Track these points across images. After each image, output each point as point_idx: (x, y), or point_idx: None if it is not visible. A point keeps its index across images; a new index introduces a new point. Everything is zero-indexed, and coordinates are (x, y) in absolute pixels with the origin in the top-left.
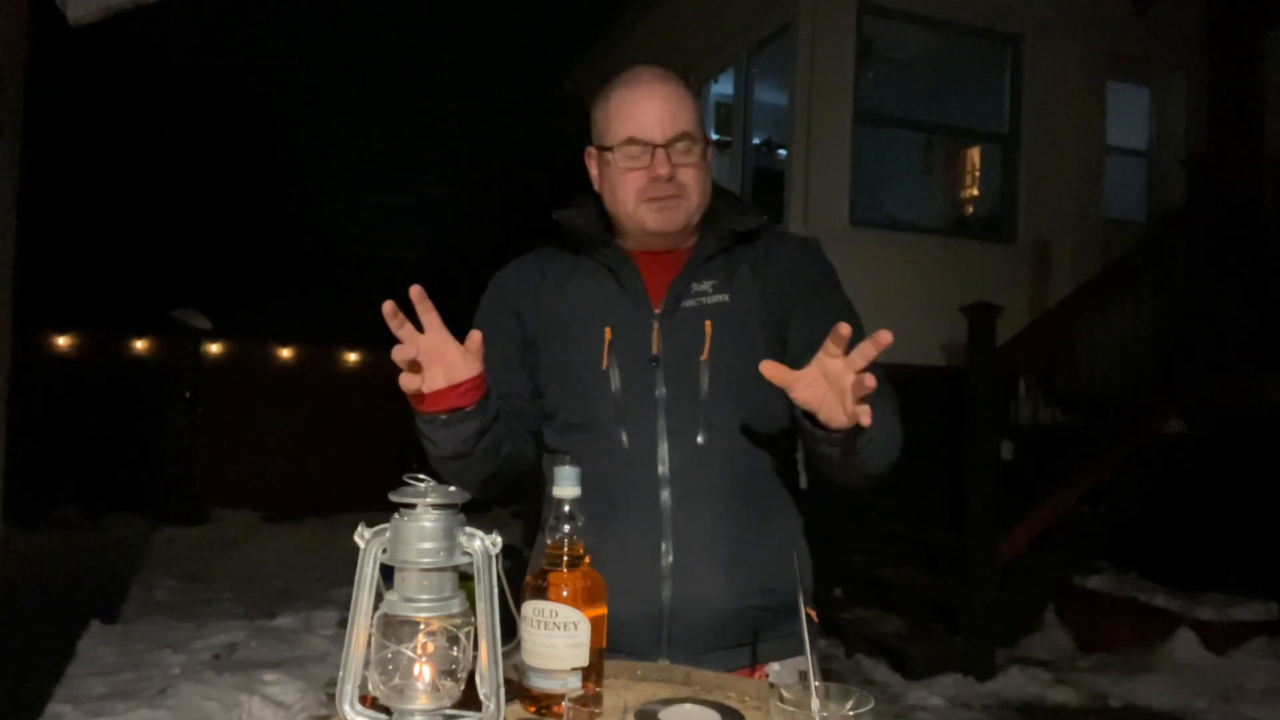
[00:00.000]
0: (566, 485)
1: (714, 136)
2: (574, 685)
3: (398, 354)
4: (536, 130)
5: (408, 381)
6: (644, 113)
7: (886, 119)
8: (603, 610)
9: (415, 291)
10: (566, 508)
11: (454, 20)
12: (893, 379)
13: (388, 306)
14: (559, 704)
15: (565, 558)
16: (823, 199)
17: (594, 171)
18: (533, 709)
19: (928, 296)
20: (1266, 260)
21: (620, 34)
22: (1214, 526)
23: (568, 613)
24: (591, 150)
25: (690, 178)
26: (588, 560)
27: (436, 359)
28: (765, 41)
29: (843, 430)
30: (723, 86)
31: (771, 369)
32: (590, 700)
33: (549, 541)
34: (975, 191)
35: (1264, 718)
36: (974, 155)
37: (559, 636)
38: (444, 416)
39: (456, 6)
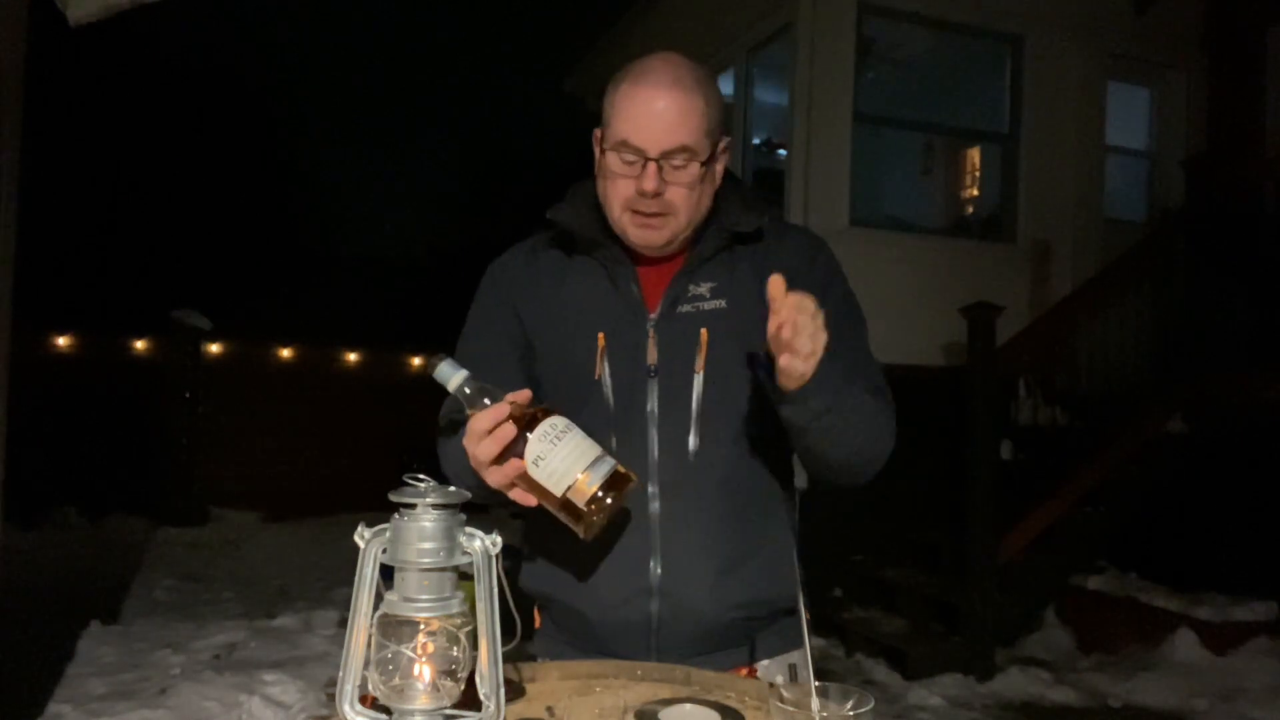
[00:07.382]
0: (451, 378)
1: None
2: (610, 465)
3: (496, 428)
4: (537, 131)
5: (486, 451)
6: (643, 117)
7: (886, 119)
8: None
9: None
10: (468, 390)
11: (454, 20)
12: (893, 379)
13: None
14: (606, 492)
15: (525, 416)
16: (823, 199)
17: (597, 153)
18: (584, 512)
19: (928, 296)
20: (1266, 260)
21: (620, 34)
22: (1214, 526)
23: (564, 422)
24: (598, 132)
25: (680, 197)
26: (543, 409)
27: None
28: (765, 41)
29: (799, 388)
30: (723, 86)
31: (774, 283)
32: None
33: (488, 400)
34: (975, 191)
35: (1264, 718)
36: (974, 155)
37: (575, 435)
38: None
39: (456, 6)
